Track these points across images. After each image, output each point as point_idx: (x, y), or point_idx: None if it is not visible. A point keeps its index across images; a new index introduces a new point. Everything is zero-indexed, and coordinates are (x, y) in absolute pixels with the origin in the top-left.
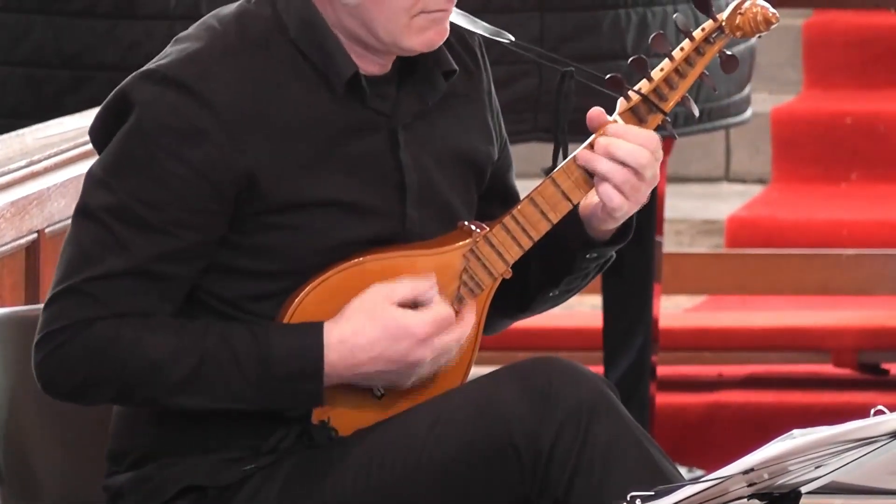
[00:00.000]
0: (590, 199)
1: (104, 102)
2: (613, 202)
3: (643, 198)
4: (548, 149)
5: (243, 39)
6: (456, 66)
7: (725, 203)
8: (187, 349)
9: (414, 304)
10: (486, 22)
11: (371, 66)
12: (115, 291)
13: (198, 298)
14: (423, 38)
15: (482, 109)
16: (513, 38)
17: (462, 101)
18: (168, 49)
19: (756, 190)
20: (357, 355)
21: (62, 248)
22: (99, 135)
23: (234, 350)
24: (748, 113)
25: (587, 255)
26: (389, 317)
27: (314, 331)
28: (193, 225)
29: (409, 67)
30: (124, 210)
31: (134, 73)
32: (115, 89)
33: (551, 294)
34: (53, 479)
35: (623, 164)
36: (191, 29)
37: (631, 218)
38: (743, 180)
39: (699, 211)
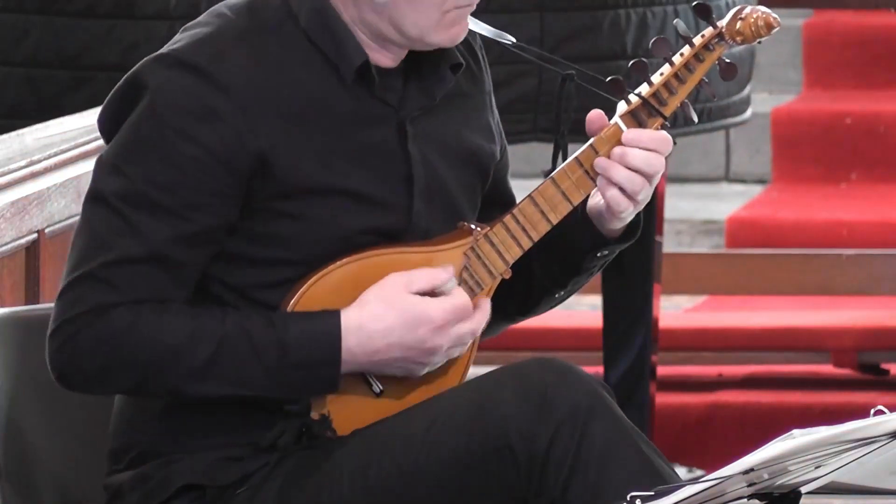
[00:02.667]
0: (596, 201)
1: (114, 89)
2: (621, 206)
3: (644, 196)
4: (548, 149)
5: (255, 24)
6: (462, 61)
7: (725, 203)
8: (205, 335)
9: (432, 294)
10: (486, 22)
11: (383, 58)
12: (130, 277)
13: (205, 287)
14: (449, 34)
15: (484, 109)
16: (514, 40)
17: (466, 100)
18: (178, 36)
19: (756, 190)
20: (375, 341)
21: (73, 237)
22: (108, 121)
23: (251, 336)
24: (748, 113)
25: (598, 254)
26: (407, 303)
27: (331, 317)
28: (207, 208)
29: (416, 61)
30: (137, 195)
31: (145, 59)
32: (126, 75)
33: (557, 295)
34: (53, 479)
35: (637, 171)
36: (201, 17)
37: (638, 215)
38: (743, 180)
39: (699, 211)
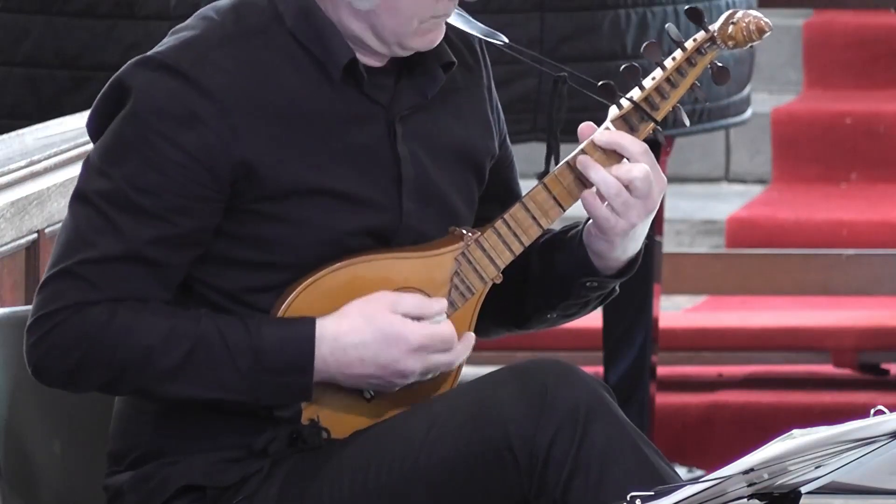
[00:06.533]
0: (588, 226)
1: (101, 92)
2: (598, 212)
3: (635, 218)
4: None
5: (240, 27)
6: (454, 59)
7: (725, 203)
8: (180, 336)
9: (418, 319)
10: (487, 22)
11: (369, 58)
12: (108, 275)
13: (196, 291)
14: (424, 40)
15: (482, 104)
16: (506, 40)
17: (461, 96)
18: (165, 39)
19: (756, 190)
20: (348, 354)
21: (58, 233)
22: (95, 123)
23: (226, 339)
24: (748, 113)
25: (586, 284)
26: (386, 322)
27: (307, 324)
28: (189, 211)
29: (408, 60)
30: (119, 196)
31: (130, 62)
32: (111, 78)
33: (548, 316)
34: (53, 479)
35: (616, 176)
36: (188, 20)
37: (638, 253)
38: (743, 180)
39: (699, 211)
